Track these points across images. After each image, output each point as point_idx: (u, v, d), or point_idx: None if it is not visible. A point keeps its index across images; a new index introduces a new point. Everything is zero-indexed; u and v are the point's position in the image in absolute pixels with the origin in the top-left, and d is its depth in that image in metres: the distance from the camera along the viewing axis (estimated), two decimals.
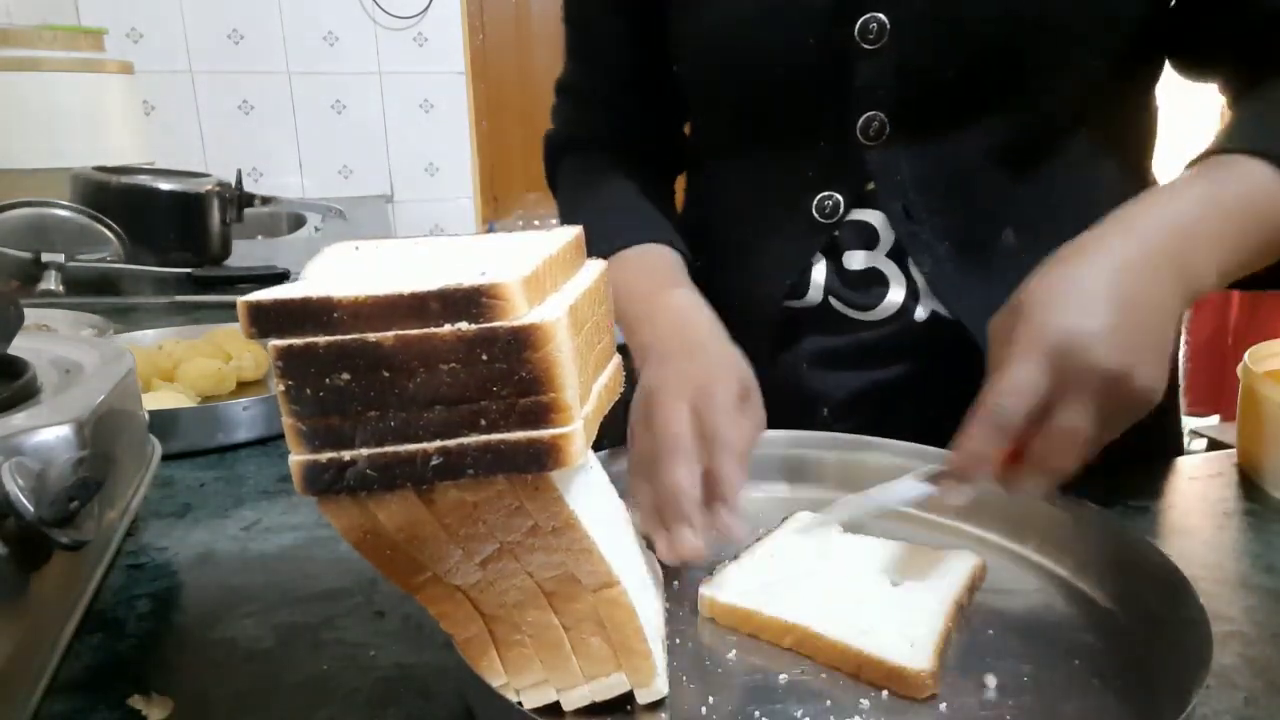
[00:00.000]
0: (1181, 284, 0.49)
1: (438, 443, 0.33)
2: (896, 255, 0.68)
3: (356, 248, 0.41)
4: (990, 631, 0.46)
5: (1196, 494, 0.67)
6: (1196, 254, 0.50)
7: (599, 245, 0.69)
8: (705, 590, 0.48)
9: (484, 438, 0.33)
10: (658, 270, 0.67)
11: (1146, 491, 0.66)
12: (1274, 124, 0.56)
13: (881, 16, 0.61)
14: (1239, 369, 0.69)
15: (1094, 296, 0.46)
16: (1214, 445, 1.88)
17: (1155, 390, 0.46)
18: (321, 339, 0.32)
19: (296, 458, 0.33)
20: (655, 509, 0.48)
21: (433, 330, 0.32)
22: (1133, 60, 0.65)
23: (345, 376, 0.32)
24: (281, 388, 0.32)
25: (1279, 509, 0.63)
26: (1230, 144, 0.55)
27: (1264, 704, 0.43)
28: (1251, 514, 0.63)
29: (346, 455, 0.33)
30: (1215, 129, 0.58)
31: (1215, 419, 2.50)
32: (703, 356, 0.55)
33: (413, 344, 0.32)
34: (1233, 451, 0.72)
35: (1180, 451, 0.78)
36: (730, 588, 0.49)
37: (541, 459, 0.33)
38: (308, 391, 0.32)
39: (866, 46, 0.62)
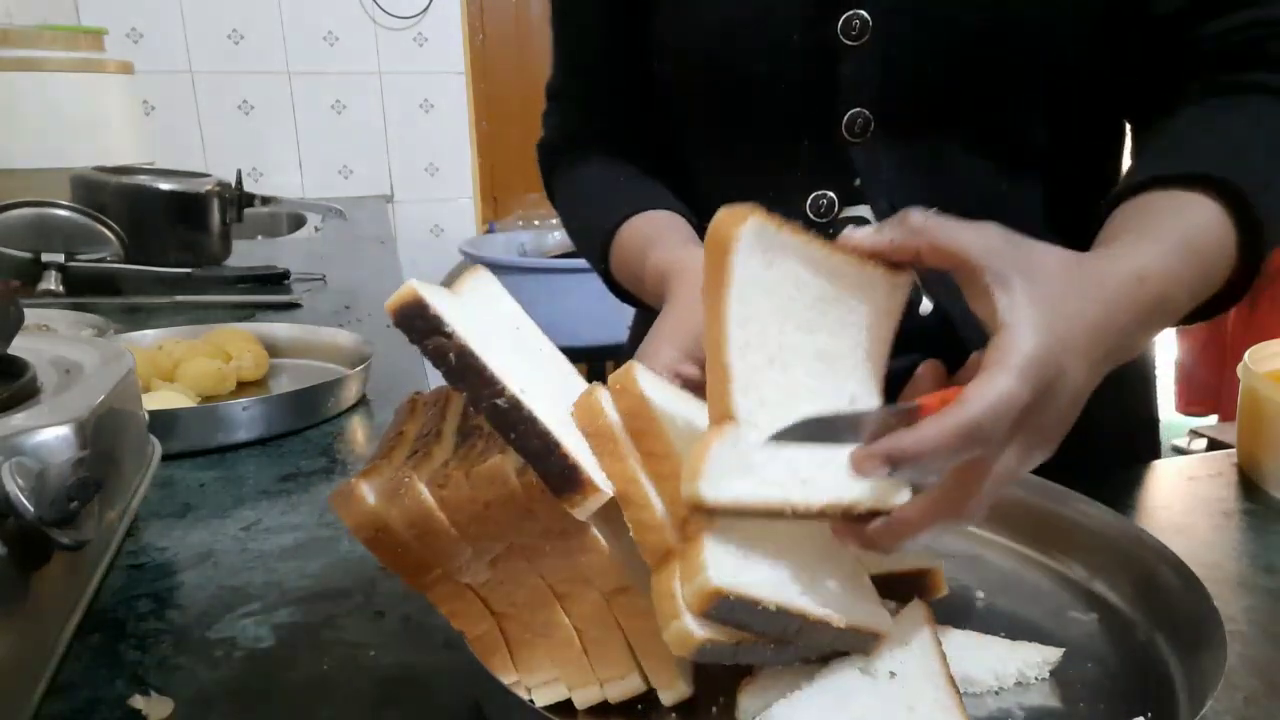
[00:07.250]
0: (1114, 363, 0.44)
1: None
2: None
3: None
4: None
5: (1196, 494, 0.67)
6: (1154, 327, 0.46)
7: (602, 222, 0.70)
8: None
9: None
10: (673, 229, 0.68)
11: (1146, 492, 0.66)
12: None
13: (863, 13, 0.62)
14: (1239, 369, 0.69)
15: (1083, 355, 0.40)
16: (1214, 445, 1.88)
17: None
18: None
19: None
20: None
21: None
22: (1107, 79, 0.65)
23: None
24: None
25: (1279, 509, 0.63)
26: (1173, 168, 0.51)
27: (1264, 704, 0.43)
28: (1251, 514, 0.63)
29: None
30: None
31: (1215, 419, 2.50)
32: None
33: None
34: (1233, 451, 0.72)
35: (1157, 455, 0.76)
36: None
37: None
38: None
39: (849, 43, 0.63)
